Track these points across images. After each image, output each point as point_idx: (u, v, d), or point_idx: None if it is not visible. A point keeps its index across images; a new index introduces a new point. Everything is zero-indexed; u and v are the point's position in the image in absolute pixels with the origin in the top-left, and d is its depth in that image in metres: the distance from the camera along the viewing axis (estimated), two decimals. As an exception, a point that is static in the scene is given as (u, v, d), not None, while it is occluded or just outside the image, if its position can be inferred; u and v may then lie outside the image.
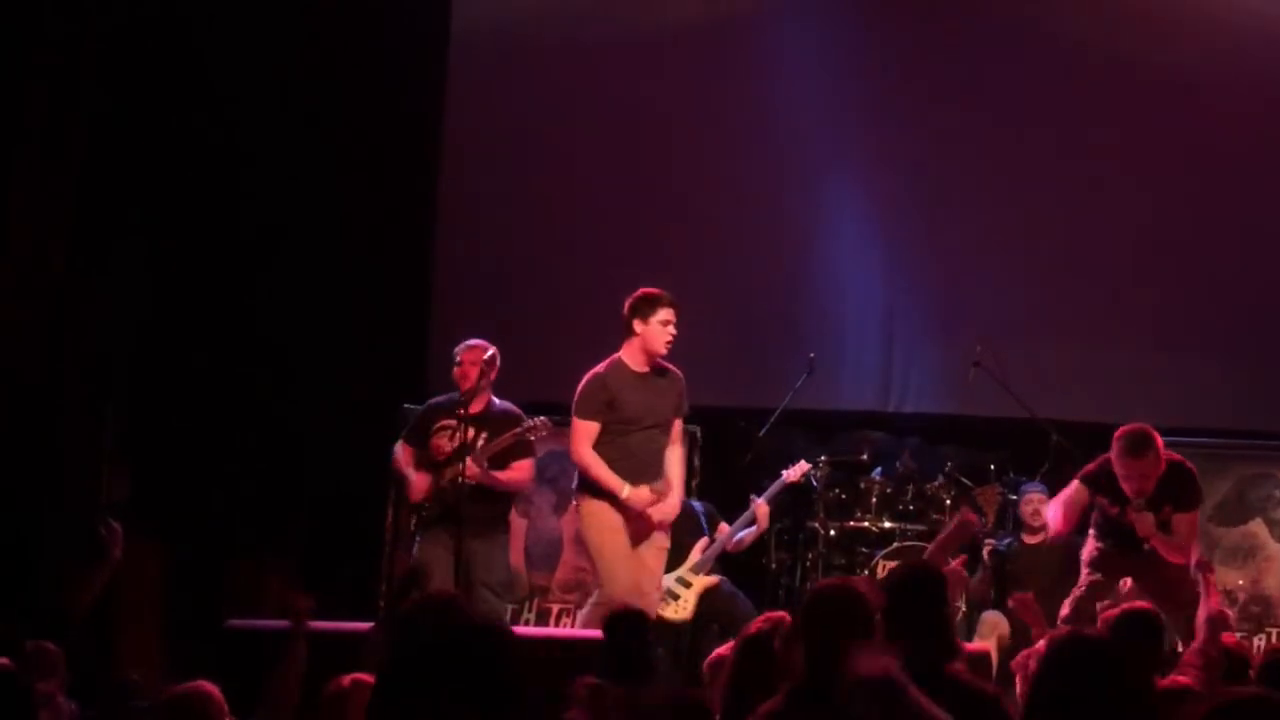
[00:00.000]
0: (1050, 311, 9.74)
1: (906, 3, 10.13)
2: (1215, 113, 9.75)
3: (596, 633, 7.26)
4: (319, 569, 8.90)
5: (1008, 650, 8.33)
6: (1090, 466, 7.11)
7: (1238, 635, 7.41)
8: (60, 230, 8.54)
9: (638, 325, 7.31)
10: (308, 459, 9.19)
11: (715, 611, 8.65)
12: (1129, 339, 9.64)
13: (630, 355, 7.36)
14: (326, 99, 9.51)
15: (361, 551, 8.83)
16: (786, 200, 9.94)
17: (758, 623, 5.02)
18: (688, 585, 8.63)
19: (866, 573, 9.02)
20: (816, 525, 9.23)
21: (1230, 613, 7.50)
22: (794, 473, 8.88)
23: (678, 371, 7.46)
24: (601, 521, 7.34)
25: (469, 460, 7.42)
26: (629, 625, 4.87)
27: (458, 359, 7.65)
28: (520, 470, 7.66)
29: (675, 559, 8.58)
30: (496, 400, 7.69)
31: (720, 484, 9.36)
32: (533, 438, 7.57)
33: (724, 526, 8.79)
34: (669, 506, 7.44)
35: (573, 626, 8.50)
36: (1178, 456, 6.98)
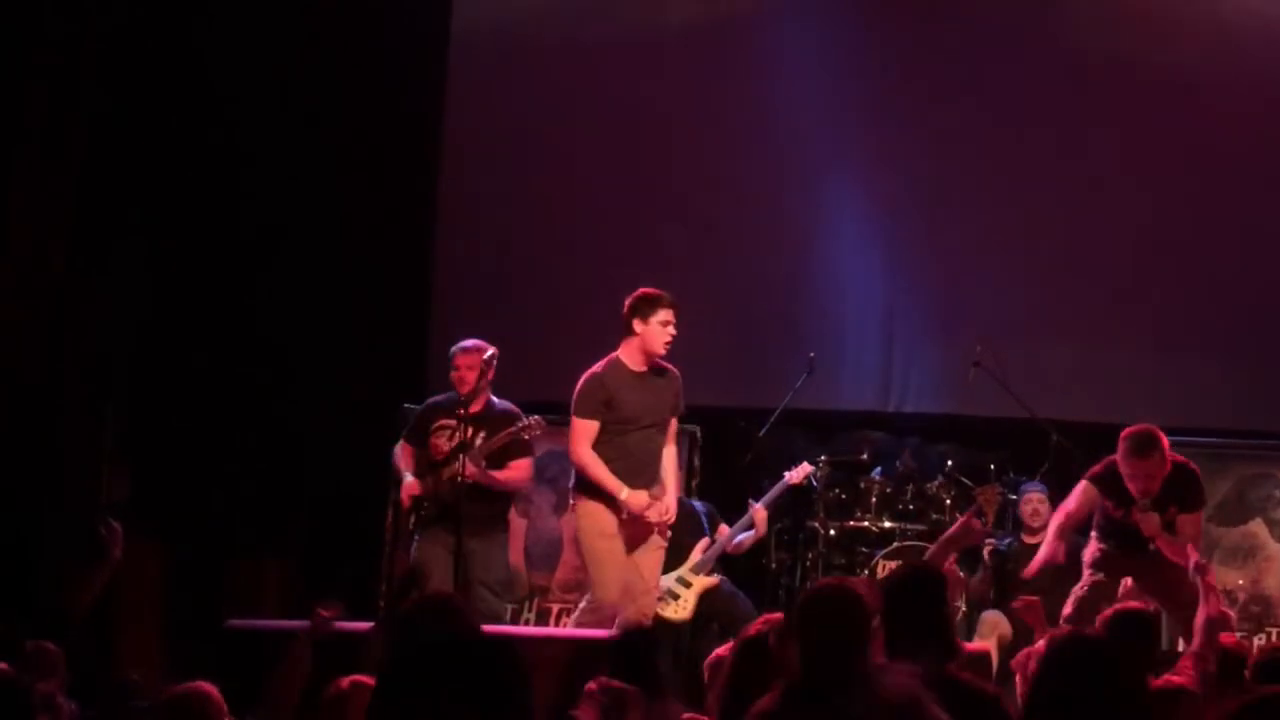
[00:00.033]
0: (1050, 311, 9.74)
1: (906, 3, 10.13)
2: (1215, 113, 9.75)
3: (599, 632, 7.30)
4: (319, 569, 8.92)
5: (1008, 650, 8.34)
6: (1096, 468, 7.10)
7: (1238, 635, 7.41)
8: (60, 230, 8.54)
9: (637, 325, 7.31)
10: (308, 459, 9.19)
11: (715, 611, 8.65)
12: (1129, 339, 9.65)
13: (628, 355, 7.36)
14: (326, 99, 9.51)
15: (361, 551, 8.83)
16: (786, 200, 9.94)
17: (757, 624, 5.01)
18: (688, 585, 8.63)
19: (866, 572, 9.02)
20: (816, 525, 9.23)
21: (1231, 613, 7.50)
22: (796, 475, 8.88)
23: (675, 371, 7.45)
24: (596, 525, 7.33)
25: (466, 460, 7.42)
26: (640, 643, 4.86)
27: (453, 362, 7.66)
28: (518, 469, 7.66)
29: (676, 559, 8.58)
30: (496, 400, 7.70)
31: (720, 484, 9.36)
32: (527, 437, 7.56)
33: (724, 528, 8.79)
34: (665, 508, 7.43)
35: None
36: (1181, 458, 6.99)
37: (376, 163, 9.53)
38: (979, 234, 9.86)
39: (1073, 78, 9.85)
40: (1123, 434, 6.91)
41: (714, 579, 8.67)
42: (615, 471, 7.28)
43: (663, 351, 7.34)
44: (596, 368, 7.37)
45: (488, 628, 5.17)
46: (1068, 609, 7.08)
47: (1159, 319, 9.70)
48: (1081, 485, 7.18)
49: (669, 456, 7.49)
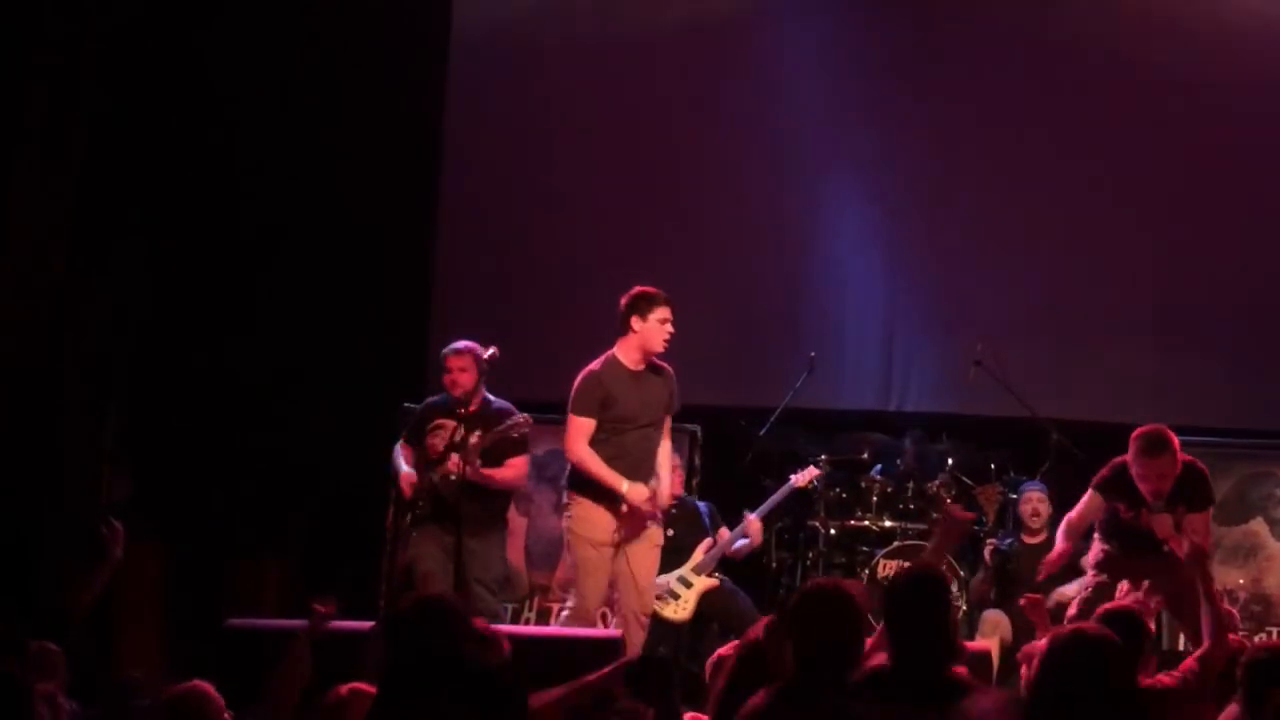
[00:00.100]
0: (1050, 311, 9.74)
1: (906, 3, 10.14)
2: (1215, 113, 9.75)
3: (598, 632, 7.30)
4: (319, 569, 8.91)
5: (1009, 650, 8.34)
6: (1103, 473, 7.09)
7: (1239, 634, 7.40)
8: (60, 230, 8.53)
9: (635, 323, 7.32)
10: (308, 459, 9.19)
11: (715, 611, 8.66)
12: (1129, 338, 9.65)
13: (625, 353, 7.36)
14: (326, 99, 9.51)
15: (361, 551, 8.82)
16: (786, 200, 9.94)
17: (761, 625, 5.01)
18: (689, 585, 8.64)
19: (867, 572, 9.03)
20: (817, 524, 9.24)
21: (1234, 611, 7.50)
22: (802, 478, 8.89)
23: (670, 369, 7.46)
24: (587, 532, 7.34)
25: (454, 458, 7.44)
26: (657, 670, 4.84)
27: (444, 364, 7.66)
28: (514, 468, 7.66)
29: (678, 559, 8.60)
30: (492, 399, 7.69)
31: (721, 483, 9.37)
32: (515, 435, 7.56)
33: (724, 531, 8.80)
34: (661, 495, 7.44)
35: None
36: (1189, 457, 6.98)
37: (376, 163, 9.52)
38: (979, 234, 9.87)
39: (1073, 78, 9.85)
40: (1134, 434, 6.90)
41: (714, 580, 8.67)
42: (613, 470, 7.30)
43: (661, 349, 7.35)
44: (594, 366, 7.37)
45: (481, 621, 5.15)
46: (1071, 609, 7.07)
47: (1159, 318, 9.71)
48: (1087, 494, 7.17)
49: (664, 450, 7.50)
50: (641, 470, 7.35)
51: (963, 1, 10.15)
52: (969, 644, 6.78)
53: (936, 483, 9.25)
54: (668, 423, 7.53)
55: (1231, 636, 5.42)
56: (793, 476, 8.91)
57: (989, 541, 8.91)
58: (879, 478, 9.37)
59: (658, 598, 8.35)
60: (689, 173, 9.94)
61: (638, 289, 7.35)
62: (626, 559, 7.35)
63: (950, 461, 9.32)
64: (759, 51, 9.94)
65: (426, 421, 7.75)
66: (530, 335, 9.15)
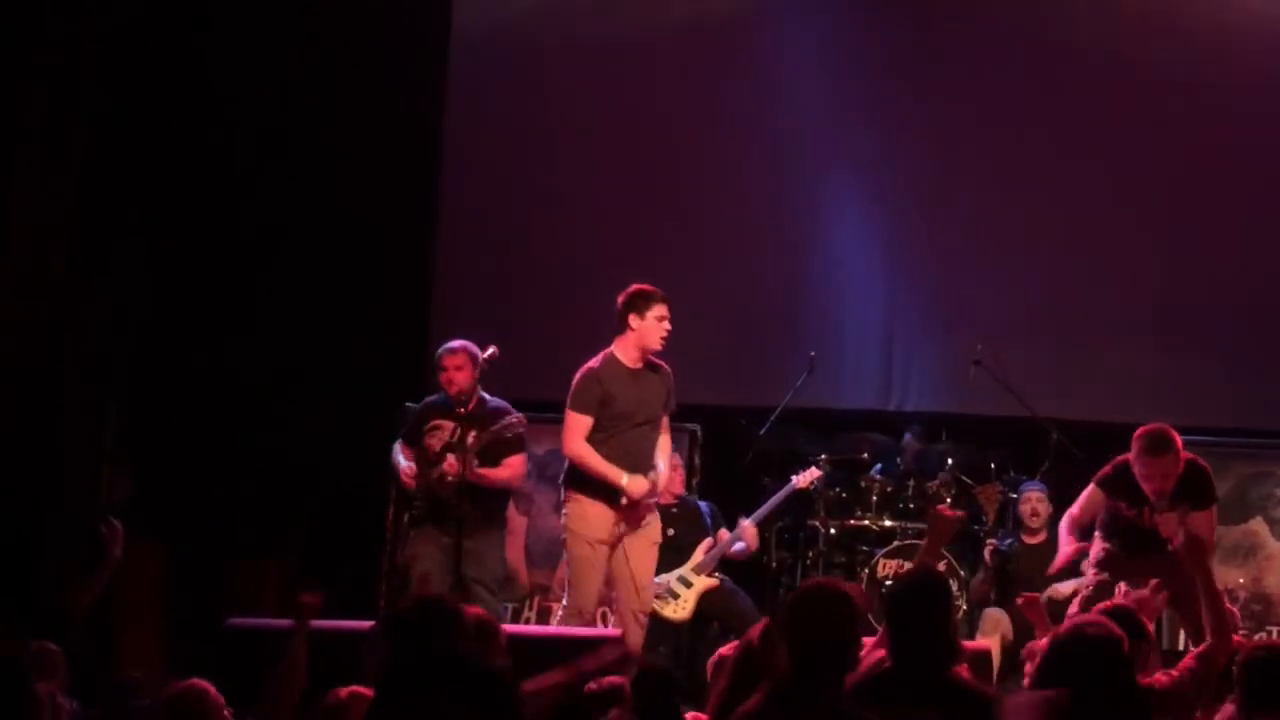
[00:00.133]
0: (1050, 311, 9.74)
1: (906, 3, 10.14)
2: (1215, 113, 9.75)
3: (605, 631, 7.29)
4: (319, 569, 8.90)
5: (1010, 648, 8.34)
6: (1105, 470, 7.08)
7: (1240, 634, 7.40)
8: (60, 230, 8.53)
9: (633, 320, 7.32)
10: (308, 459, 9.19)
11: (715, 611, 8.66)
12: (1129, 338, 9.65)
13: (623, 351, 7.37)
14: (326, 99, 9.51)
15: (361, 551, 8.82)
16: (786, 200, 9.94)
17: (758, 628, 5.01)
18: (689, 585, 8.64)
19: (867, 571, 9.03)
20: (817, 524, 9.24)
21: (1235, 610, 7.49)
22: (803, 480, 8.89)
23: (667, 368, 7.47)
24: (583, 531, 7.34)
25: (450, 458, 7.44)
26: (660, 682, 4.85)
27: (439, 363, 7.67)
28: (511, 467, 7.66)
29: (679, 558, 8.59)
30: (488, 398, 7.70)
31: (721, 483, 9.37)
32: (509, 435, 7.57)
33: (724, 532, 8.79)
34: (660, 485, 7.45)
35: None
36: (1191, 455, 6.97)
37: (376, 163, 9.52)
38: (979, 234, 9.87)
39: (1073, 78, 9.85)
40: (1136, 433, 6.89)
41: (714, 580, 8.67)
42: None
43: (659, 347, 7.35)
44: (592, 363, 7.37)
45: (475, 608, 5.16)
46: (1073, 608, 7.06)
47: (1159, 317, 9.71)
48: (1089, 490, 7.16)
49: (663, 444, 7.50)
50: (640, 468, 7.35)
51: (963, 1, 10.15)
52: (968, 644, 6.78)
53: (936, 482, 9.26)
54: (665, 420, 7.54)
55: (1235, 638, 5.41)
56: (795, 477, 8.91)
57: (989, 542, 8.91)
58: (879, 477, 9.38)
59: (657, 597, 8.35)
60: (689, 173, 9.94)
61: (635, 287, 7.35)
62: (624, 557, 7.35)
63: (950, 461, 9.32)
64: (759, 51, 9.94)
65: (424, 422, 7.75)
66: (530, 335, 9.15)
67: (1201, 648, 5.16)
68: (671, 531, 8.58)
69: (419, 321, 9.63)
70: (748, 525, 8.76)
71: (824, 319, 9.86)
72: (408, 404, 8.13)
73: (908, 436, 9.67)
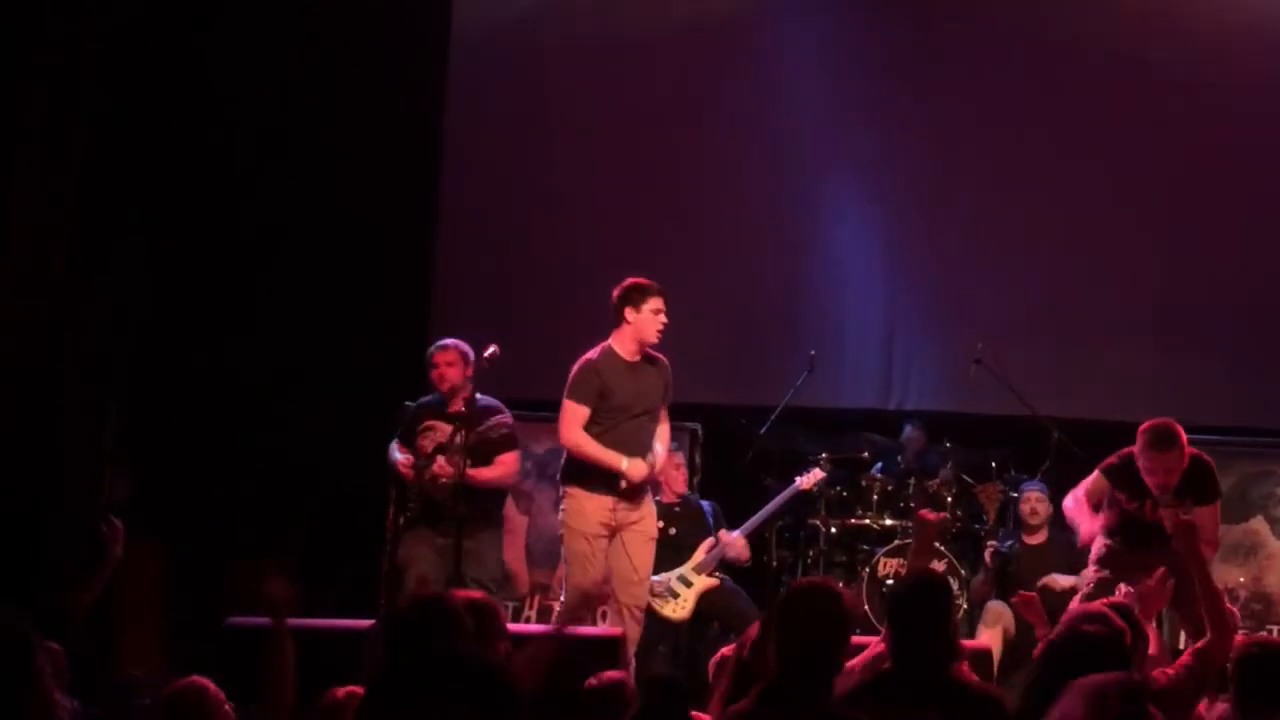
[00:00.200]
0: (1050, 311, 9.75)
1: (906, 3, 10.14)
2: (1215, 113, 9.76)
3: (605, 630, 7.29)
4: (319, 569, 8.89)
5: (1012, 642, 8.35)
6: (1111, 459, 7.08)
7: (1241, 633, 7.40)
8: (60, 230, 8.53)
9: (629, 314, 7.34)
10: (308, 459, 9.18)
11: (715, 610, 8.66)
12: (1130, 337, 9.66)
13: (621, 344, 7.39)
14: (326, 99, 9.51)
15: (361, 551, 8.81)
16: (786, 200, 9.94)
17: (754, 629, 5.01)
18: (688, 585, 8.63)
19: (868, 570, 9.03)
20: (817, 523, 9.24)
21: (1235, 609, 7.49)
22: (807, 481, 8.89)
23: (665, 360, 7.48)
24: (580, 525, 7.35)
25: (440, 459, 7.44)
26: (667, 693, 4.85)
27: (431, 360, 7.69)
28: (503, 465, 7.66)
29: (679, 557, 8.59)
30: (480, 397, 7.70)
31: (721, 482, 9.37)
32: (495, 435, 7.57)
33: (724, 534, 8.79)
34: (657, 468, 7.46)
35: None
36: (1195, 450, 6.97)
37: (376, 163, 9.52)
38: (979, 234, 9.87)
39: (1073, 78, 9.85)
40: (1141, 428, 6.89)
41: (715, 579, 8.67)
42: None
43: (656, 339, 7.37)
44: (591, 354, 7.40)
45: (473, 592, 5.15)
46: (1072, 604, 7.05)
47: (1160, 317, 9.72)
48: (1093, 476, 7.15)
49: (661, 432, 7.51)
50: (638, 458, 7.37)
51: (963, 1, 10.16)
52: (968, 643, 6.79)
53: (937, 481, 9.26)
54: (664, 411, 7.54)
55: (1238, 638, 5.41)
56: (798, 479, 8.91)
57: (990, 544, 8.91)
58: (879, 476, 9.38)
59: (657, 595, 8.36)
60: (689, 173, 9.94)
61: (630, 280, 7.38)
62: (621, 550, 7.35)
63: (950, 460, 9.32)
64: (759, 51, 9.94)
65: (417, 423, 7.77)
66: (530, 335, 9.14)
67: (1200, 644, 5.16)
68: (673, 530, 8.59)
69: (419, 321, 9.62)
70: (734, 538, 8.75)
71: (824, 319, 9.86)
72: (407, 403, 8.13)
73: (908, 429, 9.69)
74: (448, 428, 7.59)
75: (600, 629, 7.50)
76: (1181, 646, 7.50)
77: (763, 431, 9.12)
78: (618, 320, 7.38)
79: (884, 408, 9.87)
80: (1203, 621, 5.28)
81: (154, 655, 8.34)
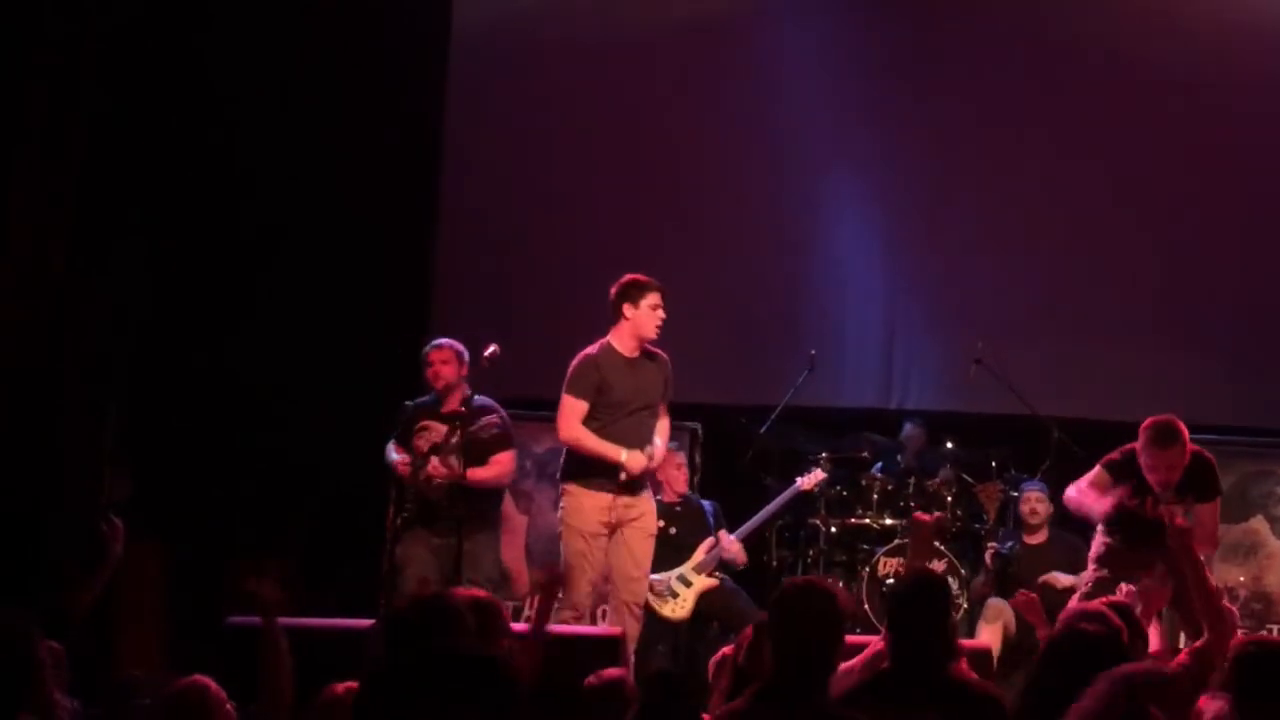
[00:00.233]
0: (1050, 311, 9.75)
1: (906, 3, 10.14)
2: (1215, 113, 9.76)
3: (605, 630, 7.29)
4: (319, 569, 8.90)
5: (1013, 640, 8.35)
6: (1114, 455, 7.08)
7: (1241, 632, 7.40)
8: (60, 230, 8.53)
9: (627, 310, 7.36)
10: (308, 459, 9.18)
11: (714, 610, 8.66)
12: (1130, 336, 9.66)
13: (620, 340, 7.40)
14: (326, 99, 9.50)
15: (361, 551, 8.80)
16: (786, 200, 9.94)
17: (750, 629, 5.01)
18: (688, 584, 8.63)
19: (868, 569, 9.03)
20: (817, 522, 9.24)
21: (1234, 608, 7.49)
22: (809, 481, 8.89)
23: (665, 356, 7.49)
24: (578, 523, 7.36)
25: (433, 460, 7.44)
26: (668, 688, 4.85)
27: (426, 359, 7.70)
28: (498, 464, 7.66)
29: (679, 557, 8.59)
30: (477, 397, 7.70)
31: (721, 481, 9.37)
32: (485, 435, 7.57)
33: (724, 534, 8.79)
34: (656, 457, 7.45)
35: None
36: (1196, 447, 6.97)
37: (376, 163, 9.52)
38: (979, 233, 9.87)
39: (1073, 78, 9.86)
40: (1144, 424, 6.89)
41: (714, 579, 8.67)
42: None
43: (654, 335, 7.38)
44: (590, 350, 7.41)
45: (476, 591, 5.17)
46: (1071, 603, 7.05)
47: (1160, 316, 9.73)
48: (1095, 470, 7.15)
49: (661, 425, 7.50)
50: None
51: (963, 1, 10.16)
52: (967, 642, 6.79)
53: (937, 480, 9.27)
54: (664, 406, 7.54)
55: (1237, 636, 5.41)
56: (800, 479, 8.91)
57: (990, 545, 8.90)
58: (879, 475, 9.39)
59: (657, 594, 8.36)
60: (689, 173, 9.94)
61: (627, 277, 7.40)
62: (622, 547, 7.35)
63: (951, 459, 9.32)
64: (759, 51, 9.94)
65: (414, 423, 7.77)
66: (530, 335, 9.14)
67: (1197, 643, 5.16)
68: (674, 530, 8.58)
69: (419, 321, 9.62)
70: (730, 542, 8.75)
71: (824, 319, 9.87)
72: (406, 402, 8.14)
73: (908, 428, 9.68)
74: (443, 428, 7.59)
75: (600, 628, 7.50)
76: (1182, 646, 7.51)
77: (763, 431, 9.12)
78: (616, 317, 7.39)
79: (884, 407, 9.87)
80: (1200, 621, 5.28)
81: (154, 655, 8.34)
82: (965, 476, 9.29)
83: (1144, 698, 3.47)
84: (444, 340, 7.78)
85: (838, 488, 9.32)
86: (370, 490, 8.68)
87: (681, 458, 8.88)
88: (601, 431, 7.32)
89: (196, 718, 4.56)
